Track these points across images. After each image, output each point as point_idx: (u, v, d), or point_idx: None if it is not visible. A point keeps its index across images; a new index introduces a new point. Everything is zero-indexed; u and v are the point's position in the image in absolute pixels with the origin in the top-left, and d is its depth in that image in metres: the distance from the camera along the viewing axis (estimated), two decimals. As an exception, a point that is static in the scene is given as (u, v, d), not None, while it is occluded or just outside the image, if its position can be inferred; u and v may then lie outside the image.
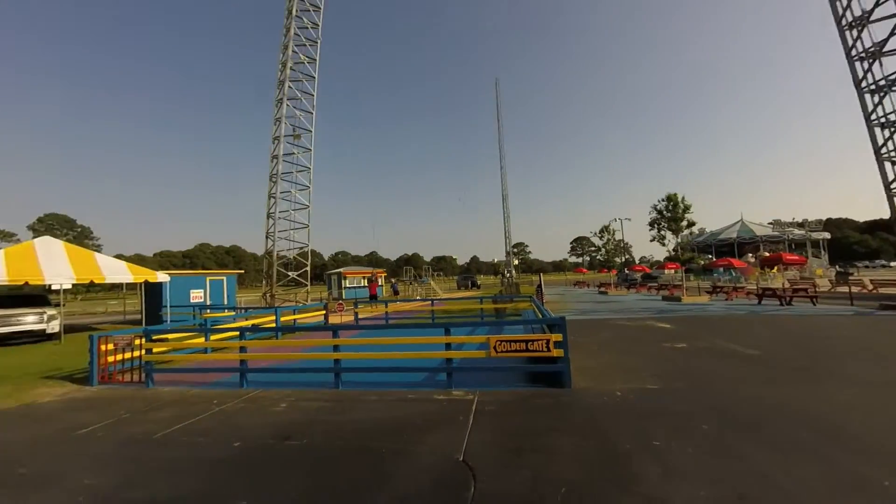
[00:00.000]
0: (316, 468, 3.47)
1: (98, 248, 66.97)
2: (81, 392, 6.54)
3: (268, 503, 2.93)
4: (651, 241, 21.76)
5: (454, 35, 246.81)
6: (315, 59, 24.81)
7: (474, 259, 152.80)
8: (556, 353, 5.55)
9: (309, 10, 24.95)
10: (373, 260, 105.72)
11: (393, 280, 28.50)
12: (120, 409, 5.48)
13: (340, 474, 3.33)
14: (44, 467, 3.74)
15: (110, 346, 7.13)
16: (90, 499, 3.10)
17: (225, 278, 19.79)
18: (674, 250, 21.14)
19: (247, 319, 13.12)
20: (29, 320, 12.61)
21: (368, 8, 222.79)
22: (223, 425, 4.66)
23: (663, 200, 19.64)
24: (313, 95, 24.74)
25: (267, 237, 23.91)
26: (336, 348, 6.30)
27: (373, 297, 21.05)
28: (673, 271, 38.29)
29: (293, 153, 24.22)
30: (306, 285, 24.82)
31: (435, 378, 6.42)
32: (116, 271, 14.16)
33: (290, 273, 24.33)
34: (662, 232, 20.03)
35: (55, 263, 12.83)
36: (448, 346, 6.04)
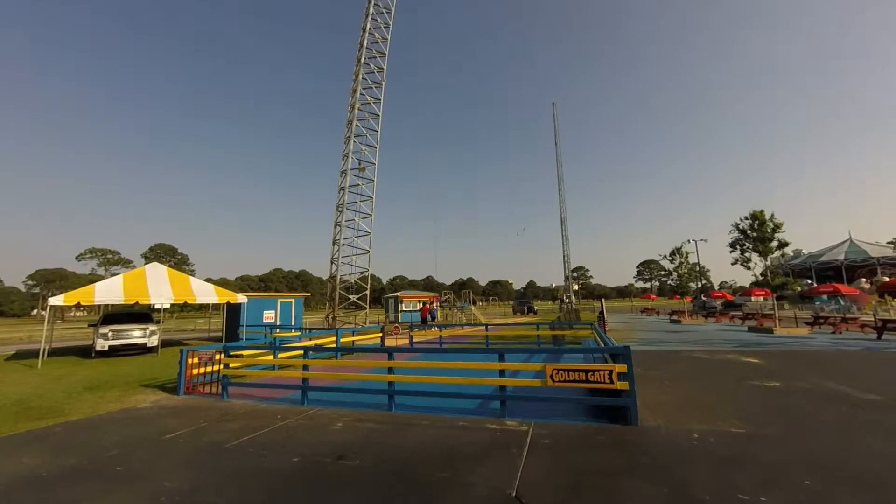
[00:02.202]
0: (366, 490, 3.48)
1: (192, 273, 76.41)
2: (170, 400, 7.32)
3: (320, 520, 2.99)
4: (733, 264, 19.42)
5: (509, 61, 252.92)
6: (380, 99, 26.88)
7: (531, 284, 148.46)
8: (619, 385, 5.11)
9: (376, 57, 27.36)
10: (429, 284, 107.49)
11: (430, 303, 25.91)
12: (199, 417, 6.03)
13: (390, 497, 3.31)
14: (135, 466, 4.21)
15: (195, 360, 7.96)
16: (169, 499, 3.41)
17: (293, 300, 21.32)
18: (762, 275, 18.59)
19: (310, 339, 13.92)
20: (136, 335, 14.58)
21: (421, 41, 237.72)
22: (285, 440, 4.91)
23: (746, 218, 17.53)
24: (377, 131, 26.64)
25: (332, 262, 25.57)
26: (391, 370, 6.41)
27: (423, 322, 21.27)
28: (762, 298, 33.82)
29: (358, 184, 26.01)
30: (365, 308, 25.87)
31: (488, 406, 6.22)
32: (205, 293, 15.99)
33: (351, 296, 25.60)
34: (747, 254, 17.73)
35: (159, 286, 14.85)
36: (502, 373, 5.86)
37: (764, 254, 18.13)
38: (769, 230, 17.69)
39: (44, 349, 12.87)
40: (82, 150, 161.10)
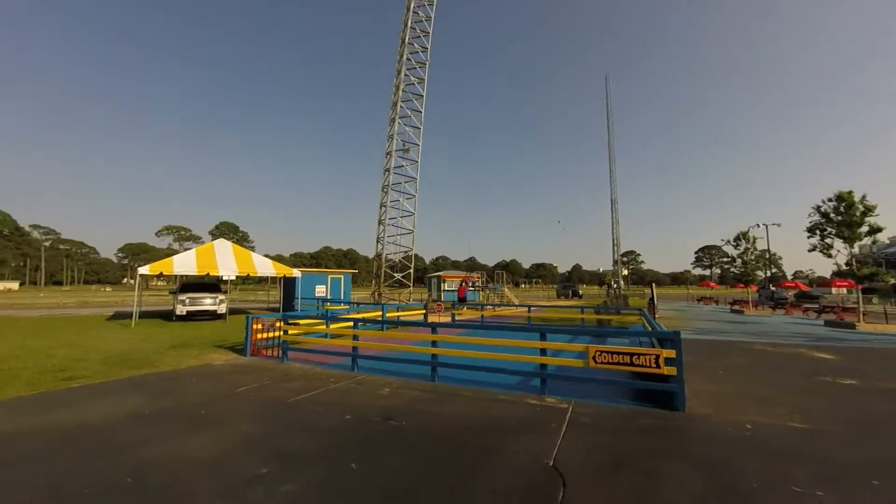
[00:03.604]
0: (412, 449, 3.77)
1: (252, 249, 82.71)
2: (239, 360, 8.21)
3: (371, 469, 3.31)
4: (810, 251, 17.21)
5: (562, 38, 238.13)
6: (424, 79, 26.76)
7: (576, 267, 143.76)
8: (667, 370, 4.96)
9: (419, 37, 27.11)
10: (471, 265, 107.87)
11: (464, 282, 24.01)
12: (264, 376, 6.74)
13: (434, 458, 3.56)
14: (215, 412, 4.85)
15: (259, 326, 8.80)
16: (246, 440, 3.93)
17: (342, 277, 22.50)
18: (846, 264, 16.42)
19: (358, 313, 14.73)
20: (207, 302, 16.29)
21: (469, 20, 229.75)
22: (337, 400, 5.37)
23: (830, 200, 15.33)
24: (421, 112, 26.67)
25: (377, 241, 26.49)
26: (434, 344, 6.69)
27: (461, 301, 21.35)
28: (844, 290, 30.25)
29: (402, 165, 26.41)
30: (409, 286, 26.68)
31: (528, 382, 6.32)
32: (265, 267, 17.37)
33: (395, 275, 26.49)
34: (828, 240, 15.60)
35: (225, 260, 16.36)
36: (543, 352, 5.90)
37: (850, 240, 16.07)
38: (858, 213, 15.60)
39: (136, 312, 14.82)
40: (158, 138, 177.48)
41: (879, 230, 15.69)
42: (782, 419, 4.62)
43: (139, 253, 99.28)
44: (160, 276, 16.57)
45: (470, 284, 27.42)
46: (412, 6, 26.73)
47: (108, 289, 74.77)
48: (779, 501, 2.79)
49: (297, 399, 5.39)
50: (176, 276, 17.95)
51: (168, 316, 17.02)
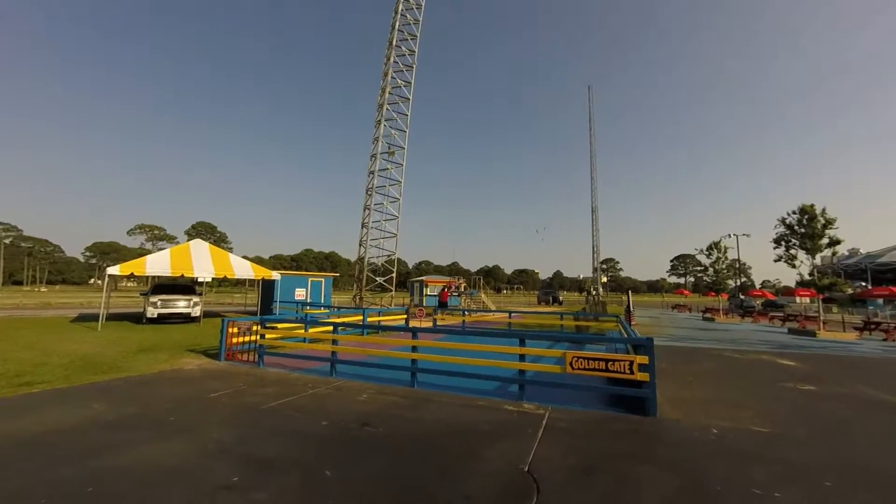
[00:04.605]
0: (389, 454, 3.75)
1: (230, 250, 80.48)
2: (213, 365, 7.97)
3: (345, 476, 3.28)
4: (776, 261, 18.12)
5: (543, 45, 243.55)
6: (410, 83, 26.86)
7: (557, 274, 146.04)
8: (640, 376, 5.11)
9: (407, 40, 27.23)
10: (454, 270, 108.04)
11: (447, 287, 25.01)
12: (239, 381, 6.56)
13: (410, 464, 3.56)
14: (186, 419, 4.69)
15: (235, 330, 8.58)
16: (216, 447, 3.82)
17: (323, 280, 22.16)
18: (809, 274, 17.30)
19: (338, 317, 14.54)
20: (181, 305, 15.73)
21: (456, 25, 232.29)
22: (314, 406, 5.29)
23: (794, 213, 16.22)
24: (407, 115, 26.74)
25: (360, 244, 26.26)
26: (414, 349, 6.68)
27: (442, 305, 21.38)
28: (807, 300, 31.83)
29: (387, 168, 26.34)
30: (391, 290, 26.50)
31: (507, 389, 6.38)
32: (243, 269, 16.94)
33: (377, 278, 26.28)
34: (793, 251, 16.45)
35: (202, 261, 15.88)
36: (522, 358, 5.98)
37: (812, 251, 16.98)
38: (819, 226, 16.51)
39: (103, 314, 14.17)
40: (135, 135, 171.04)
41: (838, 242, 16.64)
42: (746, 423, 4.83)
43: (109, 252, 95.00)
44: (131, 276, 15.93)
45: (453, 290, 27.42)
46: (400, 9, 26.88)
47: (43, 289, 69.00)
48: (740, 502, 2.91)
49: (272, 405, 5.28)
50: (148, 277, 17.30)
51: (138, 318, 16.36)
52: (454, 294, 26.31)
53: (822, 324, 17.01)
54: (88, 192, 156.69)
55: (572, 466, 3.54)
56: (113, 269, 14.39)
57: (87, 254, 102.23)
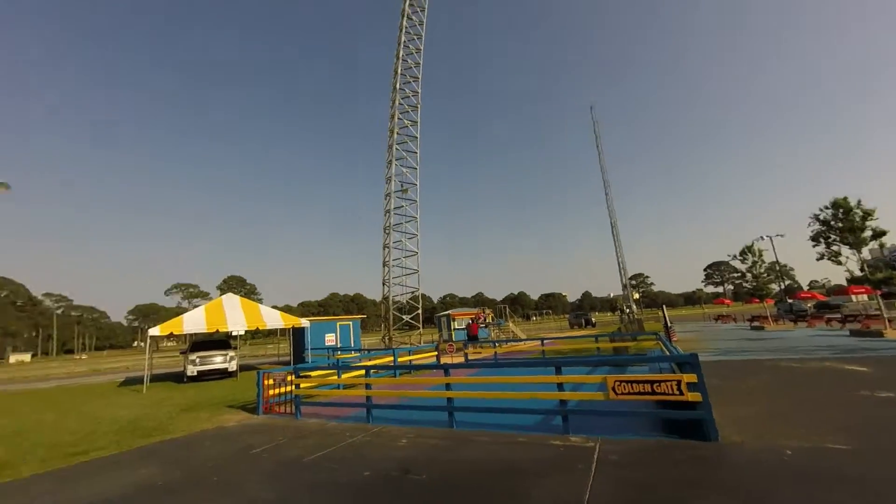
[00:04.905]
0: (434, 501, 3.60)
1: (260, 301, 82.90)
2: (252, 419, 8.02)
3: (394, 530, 3.16)
4: (818, 259, 16.99)
5: (545, 68, 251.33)
6: (416, 122, 28.11)
7: (586, 295, 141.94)
8: (690, 396, 4.79)
9: (410, 82, 28.80)
10: (478, 300, 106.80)
11: (476, 319, 24.20)
12: (278, 435, 6.56)
13: (457, 511, 3.40)
14: (229, 477, 4.69)
15: (270, 382, 8.68)
16: (260, 507, 3.78)
17: (351, 323, 22.34)
18: (860, 270, 16.04)
19: (370, 360, 14.48)
20: (218, 360, 16.13)
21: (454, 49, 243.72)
22: (355, 455, 5.19)
23: (827, 208, 15.29)
24: (416, 153, 27.75)
25: (383, 284, 26.57)
26: (448, 387, 6.53)
27: (473, 339, 20.85)
28: (865, 297, 29.43)
29: (402, 206, 27.07)
30: (419, 328, 26.35)
31: (549, 422, 6.09)
32: (273, 319, 17.36)
33: (404, 317, 26.27)
34: (834, 247, 15.34)
35: (234, 314, 16.41)
36: (560, 387, 5.74)
37: (856, 246, 15.92)
38: (857, 218, 15.57)
39: (147, 376, 14.69)
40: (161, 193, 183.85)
41: (884, 233, 15.58)
42: (820, 440, 4.38)
43: (149, 314, 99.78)
44: (170, 336, 16.60)
45: (482, 321, 26.94)
46: (401, 54, 28.63)
47: (84, 356, 71.66)
48: (830, 535, 2.61)
49: (312, 457, 5.22)
50: (186, 335, 17.95)
51: (179, 377, 16.81)
52: (482, 325, 25.83)
53: (887, 322, 15.59)
54: (125, 256, 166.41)
55: (634, 502, 3.28)
56: (154, 331, 15.04)
57: (130, 317, 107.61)
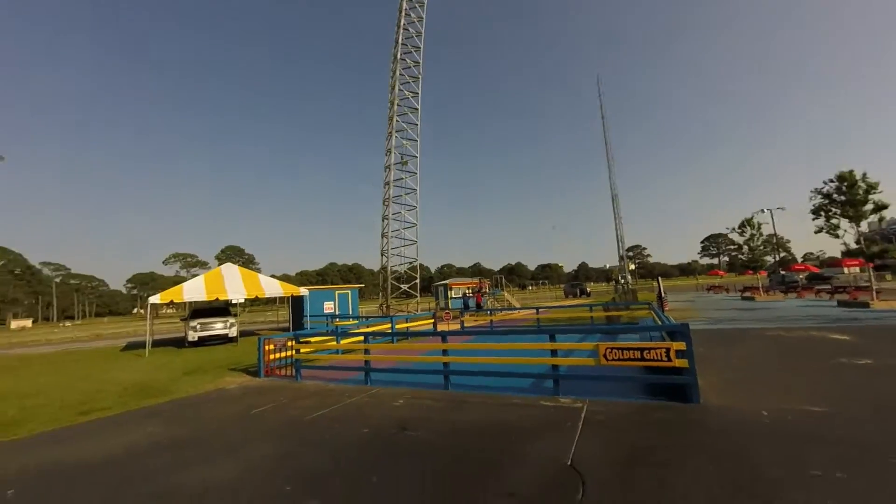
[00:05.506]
0: (431, 457, 3.80)
1: (259, 271, 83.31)
2: (253, 382, 8.28)
3: (391, 480, 3.35)
4: (817, 232, 17.04)
5: (551, 35, 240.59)
6: (417, 93, 27.15)
7: (582, 266, 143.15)
8: (678, 362, 4.96)
9: (411, 52, 27.58)
10: (476, 271, 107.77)
11: (478, 290, 24.65)
12: (279, 396, 6.80)
13: (453, 465, 3.59)
14: (232, 435, 4.91)
15: (271, 347, 8.89)
16: (266, 463, 3.98)
17: (350, 292, 22.58)
18: (856, 242, 16.20)
19: (368, 327, 14.78)
20: (218, 327, 16.42)
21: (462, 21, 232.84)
22: (354, 414, 5.42)
23: (832, 181, 15.20)
24: (417, 124, 27.02)
25: (382, 254, 26.65)
26: (445, 352, 6.72)
27: (479, 307, 21.61)
28: (857, 269, 29.89)
29: (402, 178, 26.67)
30: (416, 296, 26.72)
31: (541, 384, 6.32)
32: (273, 288, 17.51)
33: (401, 286, 26.56)
34: (834, 220, 15.40)
35: (234, 283, 16.53)
36: (554, 353, 5.92)
37: (856, 219, 15.97)
38: (861, 192, 15.52)
39: (149, 341, 14.98)
40: (162, 159, 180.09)
41: (885, 206, 15.58)
42: (799, 403, 4.59)
43: (147, 282, 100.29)
44: (170, 303, 16.79)
45: (487, 290, 27.41)
46: (402, 23, 27.25)
47: (67, 324, 71.29)
48: (799, 487, 2.79)
49: (313, 416, 5.44)
50: (186, 303, 18.16)
51: (180, 343, 17.17)
52: (485, 294, 26.29)
53: (875, 293, 15.93)
54: (123, 224, 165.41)
55: (617, 458, 3.48)
56: (154, 299, 15.19)
57: (129, 285, 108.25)
